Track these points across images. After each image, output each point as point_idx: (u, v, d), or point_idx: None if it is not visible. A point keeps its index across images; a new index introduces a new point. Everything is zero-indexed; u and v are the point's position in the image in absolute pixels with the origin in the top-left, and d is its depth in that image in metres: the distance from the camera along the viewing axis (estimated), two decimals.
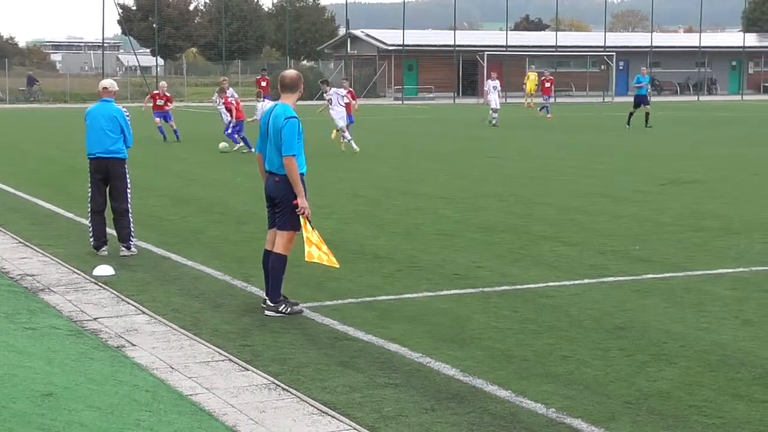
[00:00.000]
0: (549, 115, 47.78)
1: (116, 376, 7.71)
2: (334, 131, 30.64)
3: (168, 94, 34.82)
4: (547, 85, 51.15)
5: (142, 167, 20.88)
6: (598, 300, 10.55)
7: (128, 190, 13.43)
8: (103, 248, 13.25)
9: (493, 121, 41.49)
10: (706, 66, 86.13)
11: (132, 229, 13.34)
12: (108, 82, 13.94)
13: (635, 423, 6.88)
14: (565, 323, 9.59)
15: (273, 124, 9.97)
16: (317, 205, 16.49)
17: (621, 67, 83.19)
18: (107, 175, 13.36)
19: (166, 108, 34.17)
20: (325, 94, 29.04)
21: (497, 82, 42.84)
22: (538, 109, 50.28)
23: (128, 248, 13.24)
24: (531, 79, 60.25)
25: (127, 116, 13.50)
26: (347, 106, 30.00)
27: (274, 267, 10.04)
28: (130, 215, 13.34)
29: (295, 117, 9.97)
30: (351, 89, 32.14)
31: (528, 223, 15.85)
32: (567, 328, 9.42)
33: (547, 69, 61.70)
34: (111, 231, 13.49)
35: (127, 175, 13.47)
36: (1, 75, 74.65)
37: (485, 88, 43.84)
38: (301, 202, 9.86)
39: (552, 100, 51.17)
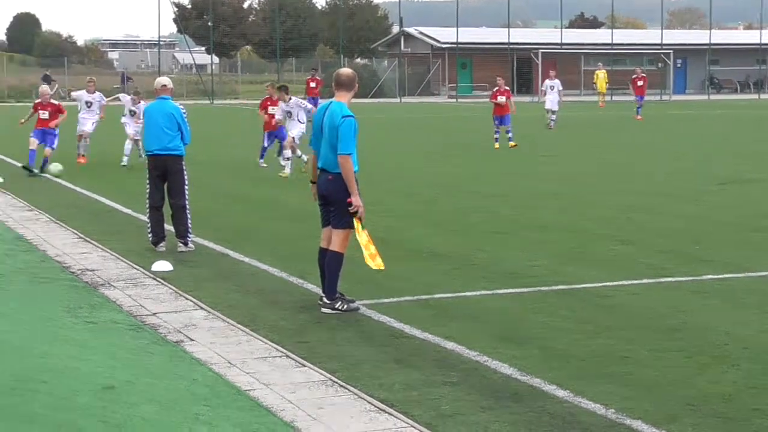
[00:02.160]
0: (639, 116, 44.80)
1: (175, 370, 7.78)
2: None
3: (54, 102, 24.55)
4: (640, 83, 46.27)
5: (199, 164, 21.01)
6: (656, 300, 10.45)
7: (186, 187, 13.52)
8: (161, 244, 13.35)
9: (550, 123, 39.01)
10: (767, 63, 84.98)
11: (189, 226, 13.42)
12: (165, 80, 14.05)
13: (696, 425, 6.80)
14: (623, 323, 9.51)
15: (328, 122, 9.98)
16: (372, 203, 16.48)
17: (679, 65, 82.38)
18: (165, 171, 13.46)
19: (50, 124, 23.56)
20: (283, 104, 22.42)
21: (556, 82, 39.50)
22: (636, 111, 45.88)
23: (185, 244, 13.33)
24: (600, 77, 59.11)
25: (184, 113, 13.60)
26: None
27: (330, 265, 10.05)
28: (187, 211, 13.42)
29: (352, 116, 9.97)
30: (507, 88, 30.88)
31: (584, 222, 15.75)
32: (624, 328, 9.34)
33: (640, 67, 58.91)
34: (169, 227, 13.58)
35: (185, 172, 13.56)
36: (61, 73, 75.56)
37: (542, 88, 41.50)
38: (355, 200, 9.87)
39: (644, 99, 46.54)
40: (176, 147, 13.46)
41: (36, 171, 22.67)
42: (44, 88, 26.02)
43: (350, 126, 9.86)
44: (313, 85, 46.80)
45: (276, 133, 23.63)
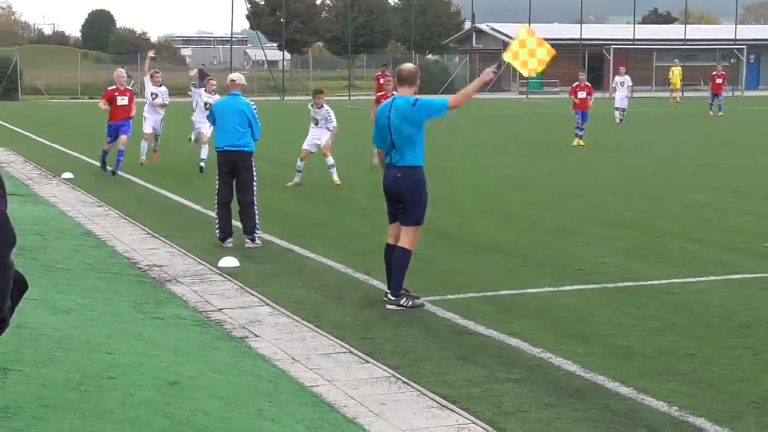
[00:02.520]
0: (720, 113, 44.32)
1: (239, 366, 7.84)
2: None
3: (129, 87, 23.13)
4: (719, 81, 45.74)
5: (268, 160, 21.14)
6: (724, 297, 10.33)
7: (254, 183, 13.62)
8: (229, 240, 13.47)
9: (617, 120, 38.49)
10: None
11: (257, 222, 13.52)
12: (236, 76, 14.16)
13: (762, 423, 6.72)
14: (689, 321, 9.43)
15: (397, 116, 10.03)
16: (440, 198, 16.51)
17: (752, 61, 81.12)
18: (234, 167, 13.57)
19: (128, 115, 22.36)
20: (314, 109, 20.28)
21: (626, 78, 38.97)
22: (714, 108, 45.20)
23: (253, 240, 13.43)
24: (675, 74, 58.35)
25: (255, 110, 13.70)
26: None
27: (398, 261, 10.08)
28: (255, 208, 13.52)
29: (417, 98, 10.16)
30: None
31: (652, 219, 15.60)
32: (691, 325, 9.26)
33: (720, 63, 57.92)
34: (237, 223, 13.70)
35: (254, 168, 13.66)
36: (135, 69, 76.46)
37: (613, 85, 40.49)
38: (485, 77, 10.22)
39: (723, 96, 46.01)
40: (246, 143, 13.56)
41: (111, 169, 21.82)
42: (121, 71, 23.06)
43: (425, 100, 10.15)
44: (382, 81, 46.40)
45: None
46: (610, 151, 27.70)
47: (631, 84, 39.59)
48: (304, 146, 20.09)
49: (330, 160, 19.98)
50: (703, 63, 79.91)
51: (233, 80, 13.99)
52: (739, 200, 17.62)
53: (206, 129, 21.90)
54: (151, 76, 24.07)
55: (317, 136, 20.12)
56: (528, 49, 10.73)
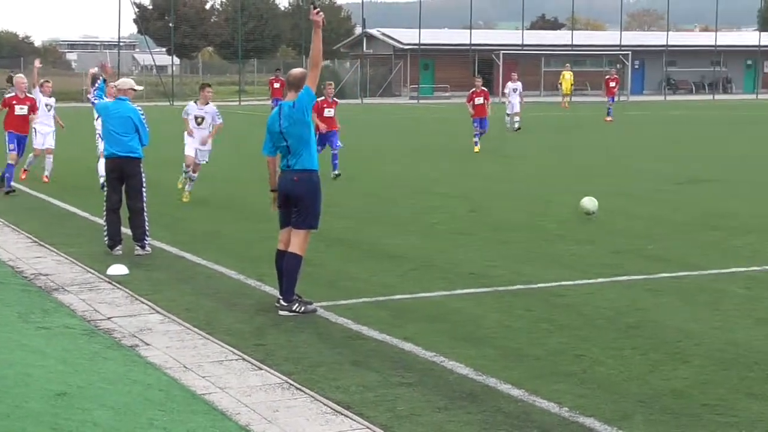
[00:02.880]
0: (609, 118, 44.48)
1: (130, 375, 7.73)
2: None
3: (31, 95, 20.90)
4: (612, 85, 45.99)
5: (157, 166, 20.90)
6: (611, 299, 10.53)
7: (144, 189, 13.46)
8: (118, 247, 13.28)
9: (516, 125, 38.17)
10: (722, 65, 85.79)
11: (147, 229, 13.36)
12: (122, 81, 13.96)
13: (649, 422, 6.86)
14: (579, 322, 9.58)
15: (288, 119, 10.02)
16: (331, 204, 16.47)
17: (637, 66, 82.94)
18: (123, 173, 13.40)
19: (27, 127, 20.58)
20: (196, 105, 18.78)
21: (518, 84, 38.96)
22: (606, 112, 45.34)
23: (143, 247, 13.26)
24: (566, 78, 59.09)
25: (142, 115, 13.53)
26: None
27: (289, 267, 10.05)
28: (145, 214, 13.37)
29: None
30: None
31: (542, 222, 15.83)
32: (580, 327, 9.41)
33: (610, 68, 58.37)
34: (126, 230, 13.51)
35: (143, 174, 13.50)
36: (17, 74, 74.83)
37: (505, 91, 39.94)
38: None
39: (615, 101, 46.13)
40: (133, 149, 13.39)
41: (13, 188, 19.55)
42: (20, 76, 21.10)
43: (303, 103, 10.08)
44: (276, 86, 45.69)
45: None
46: (501, 155, 28.02)
47: (522, 90, 39.56)
48: (189, 152, 18.60)
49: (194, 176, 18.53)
50: (590, 68, 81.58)
51: (116, 85, 13.82)
52: (625, 203, 17.98)
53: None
54: (41, 86, 21.38)
55: (202, 143, 18.57)
56: None
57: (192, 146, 18.62)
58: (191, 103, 19.18)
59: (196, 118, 18.53)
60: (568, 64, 63.51)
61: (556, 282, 11.36)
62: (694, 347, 8.65)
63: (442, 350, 8.60)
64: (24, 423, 6.00)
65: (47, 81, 21.67)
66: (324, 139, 21.75)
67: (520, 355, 8.48)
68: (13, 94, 20.60)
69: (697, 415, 6.98)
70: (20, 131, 20.32)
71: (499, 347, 8.73)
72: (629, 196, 19.00)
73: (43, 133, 21.20)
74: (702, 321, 9.56)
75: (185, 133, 18.72)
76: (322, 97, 21.84)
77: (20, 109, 20.28)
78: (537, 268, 12.18)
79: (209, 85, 19.39)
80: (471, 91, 30.55)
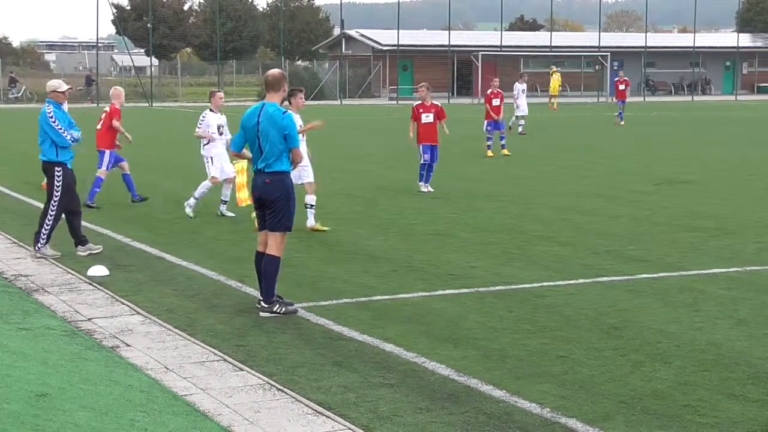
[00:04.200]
0: (622, 122, 43.09)
1: (110, 376, 7.70)
2: None
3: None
4: (621, 87, 44.40)
5: (137, 167, 20.82)
6: (592, 300, 10.55)
7: (55, 193, 13.08)
8: (79, 248, 13.13)
9: (520, 129, 37.05)
10: (701, 66, 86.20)
11: (42, 233, 13.04)
12: (50, 83, 13.60)
13: (630, 422, 6.89)
14: (560, 323, 9.60)
15: (268, 122, 9.99)
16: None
17: (615, 67, 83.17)
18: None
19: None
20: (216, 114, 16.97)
21: (525, 85, 37.69)
22: (616, 114, 44.35)
23: (34, 249, 13.11)
24: (555, 78, 58.89)
25: (51, 117, 13.02)
26: None
27: (267, 268, 10.04)
28: (48, 218, 13.04)
29: (287, 111, 10.12)
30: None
31: (523, 223, 15.86)
32: (562, 327, 9.43)
33: (621, 70, 57.31)
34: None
35: (56, 178, 13.10)
36: None
37: (514, 92, 37.64)
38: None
39: (625, 103, 44.53)
40: (44, 153, 13.17)
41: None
42: (120, 89, 18.98)
43: (293, 120, 10.16)
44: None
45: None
46: (481, 156, 28.03)
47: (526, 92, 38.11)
48: (216, 173, 16.62)
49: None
50: (569, 69, 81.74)
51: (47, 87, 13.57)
52: (605, 204, 18.03)
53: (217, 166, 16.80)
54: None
55: (224, 156, 16.68)
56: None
57: (219, 161, 16.60)
58: (207, 112, 16.98)
59: (219, 127, 16.78)
60: (553, 66, 63.48)
61: (538, 283, 11.39)
62: (674, 348, 8.69)
63: (423, 351, 8.60)
64: (5, 424, 5.96)
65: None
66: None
67: (501, 356, 8.49)
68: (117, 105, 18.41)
69: (678, 416, 7.01)
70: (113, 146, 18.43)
71: (481, 348, 8.74)
72: (607, 197, 19.05)
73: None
74: (683, 322, 9.59)
75: (205, 147, 16.81)
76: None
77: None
78: (518, 269, 12.20)
79: (219, 90, 18.16)
80: (489, 92, 29.82)
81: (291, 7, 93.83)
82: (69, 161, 13.19)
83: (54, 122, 13.03)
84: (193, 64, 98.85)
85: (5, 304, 10.11)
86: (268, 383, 7.76)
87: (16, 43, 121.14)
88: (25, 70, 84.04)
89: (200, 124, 16.81)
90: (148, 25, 77.44)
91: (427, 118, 19.75)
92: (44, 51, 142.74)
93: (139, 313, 9.99)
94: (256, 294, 10.40)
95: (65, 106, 13.28)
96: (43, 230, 13.04)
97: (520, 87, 37.62)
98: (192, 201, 16.58)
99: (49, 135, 13.05)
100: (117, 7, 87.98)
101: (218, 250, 13.58)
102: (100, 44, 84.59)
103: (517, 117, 37.76)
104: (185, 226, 15.64)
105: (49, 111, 13.10)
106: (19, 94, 68.98)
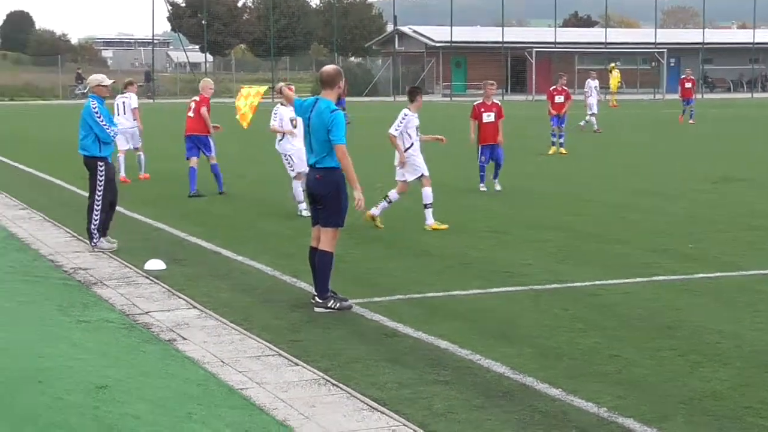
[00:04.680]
0: (691, 120, 41.65)
1: (167, 369, 7.77)
2: None
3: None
4: (688, 85, 42.61)
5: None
6: (648, 299, 10.46)
7: (98, 187, 13.29)
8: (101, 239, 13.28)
9: (595, 127, 36.21)
10: (760, 62, 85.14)
11: (92, 225, 13.24)
12: (92, 77, 13.73)
13: (689, 423, 6.81)
14: (615, 322, 9.53)
15: (318, 118, 10.00)
16: (366, 201, 16.47)
17: (672, 64, 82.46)
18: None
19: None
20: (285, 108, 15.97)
21: (597, 82, 36.99)
22: (686, 115, 42.56)
23: (90, 243, 13.28)
24: (614, 75, 58.37)
25: (96, 111, 13.16)
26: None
27: (320, 264, 10.05)
28: (94, 212, 13.24)
29: (338, 110, 10.07)
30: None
31: (578, 221, 15.76)
32: (616, 327, 9.36)
33: (688, 68, 56.71)
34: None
35: (99, 172, 13.30)
36: (55, 72, 75.47)
37: (585, 90, 37.03)
38: (357, 194, 9.94)
39: (693, 102, 42.84)
40: (85, 147, 13.33)
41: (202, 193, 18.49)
42: (209, 80, 20.26)
43: (341, 118, 10.01)
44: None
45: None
46: (536, 154, 27.90)
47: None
48: (302, 167, 14.76)
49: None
50: (624, 66, 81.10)
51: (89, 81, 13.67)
52: (661, 202, 17.87)
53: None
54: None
55: (302, 151, 14.86)
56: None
57: (299, 156, 15.65)
58: (278, 106, 16.40)
59: (292, 120, 16.15)
60: (616, 62, 62.79)
61: (592, 281, 11.31)
62: (734, 349, 8.57)
63: (477, 348, 8.58)
64: (66, 415, 6.04)
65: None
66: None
67: (557, 354, 8.45)
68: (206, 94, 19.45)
69: (739, 418, 6.92)
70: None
71: (536, 346, 8.70)
72: (663, 195, 18.88)
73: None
74: (741, 322, 9.46)
75: (280, 143, 16.42)
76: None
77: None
78: (573, 267, 12.13)
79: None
80: (552, 87, 29.48)
81: (344, 4, 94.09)
82: (110, 156, 13.40)
83: (99, 117, 13.17)
84: (247, 60, 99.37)
85: (65, 296, 10.24)
86: (323, 378, 7.78)
87: (74, 41, 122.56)
88: (83, 66, 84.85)
89: (274, 118, 16.38)
90: (203, 22, 78.05)
91: (489, 117, 19.46)
92: (101, 48, 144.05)
93: (195, 307, 10.06)
94: (311, 289, 10.43)
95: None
96: (92, 226, 13.23)
97: (592, 84, 36.91)
98: (299, 205, 16.04)
99: (94, 130, 13.18)
100: (172, 4, 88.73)
101: (273, 245, 13.64)
102: (155, 41, 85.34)
103: (591, 114, 36.90)
104: (240, 221, 15.72)
105: (93, 106, 13.21)
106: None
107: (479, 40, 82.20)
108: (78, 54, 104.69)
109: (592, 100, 36.80)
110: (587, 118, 36.95)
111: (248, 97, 14.58)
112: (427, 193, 15.05)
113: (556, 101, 28.87)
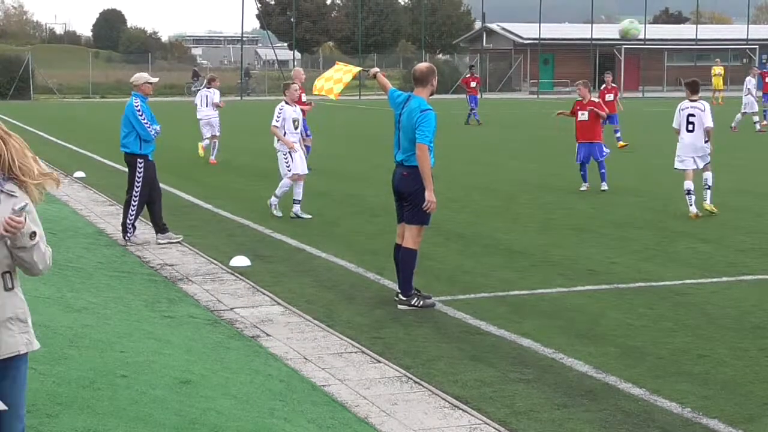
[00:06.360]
0: (765, 121, 38.07)
1: (251, 365, 7.85)
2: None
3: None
4: None
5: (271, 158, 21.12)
6: (737, 298, 10.30)
7: (136, 183, 13.42)
8: (159, 235, 13.48)
9: (757, 126, 34.94)
10: None
11: (129, 221, 13.47)
12: (135, 76, 13.83)
13: None
14: (702, 321, 9.40)
15: (407, 116, 10.00)
16: (451, 199, 16.50)
17: (764, 61, 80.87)
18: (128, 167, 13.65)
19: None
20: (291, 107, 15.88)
21: (756, 80, 35.76)
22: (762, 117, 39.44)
23: (124, 238, 13.46)
24: (717, 73, 57.31)
25: (138, 109, 13.26)
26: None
27: (404, 261, 10.06)
28: (132, 207, 13.44)
29: (431, 109, 9.99)
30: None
31: (665, 219, 15.57)
32: (704, 326, 9.23)
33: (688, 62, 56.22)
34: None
35: (138, 169, 13.44)
36: (145, 69, 76.52)
37: (747, 86, 35.46)
38: (428, 195, 9.87)
39: None
40: (126, 144, 13.47)
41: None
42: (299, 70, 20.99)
43: (431, 118, 9.91)
44: (473, 84, 40.82)
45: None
46: (621, 150, 27.60)
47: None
48: (302, 171, 15.85)
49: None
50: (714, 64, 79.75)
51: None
52: (751, 200, 17.58)
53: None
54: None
55: (300, 152, 16.10)
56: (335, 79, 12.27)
57: (298, 156, 15.84)
58: (283, 104, 16.02)
59: (294, 121, 15.85)
60: (717, 59, 61.57)
61: (679, 280, 11.16)
62: None
63: (561, 347, 8.53)
64: (150, 409, 6.14)
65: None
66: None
67: (641, 354, 8.36)
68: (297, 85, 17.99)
69: None
70: None
71: (620, 345, 8.62)
72: (753, 193, 18.57)
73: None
74: None
75: (280, 142, 15.94)
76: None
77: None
78: (659, 265, 11.99)
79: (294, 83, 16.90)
80: (603, 87, 29.10)
81: (432, 1, 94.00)
82: (151, 153, 13.56)
83: (141, 116, 13.30)
84: (335, 57, 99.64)
85: (151, 292, 10.39)
86: (406, 376, 7.80)
87: (164, 38, 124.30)
88: (173, 64, 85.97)
89: (277, 118, 15.78)
90: (292, 20, 78.57)
91: (583, 116, 19.46)
92: (191, 45, 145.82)
93: (279, 304, 10.15)
94: (394, 286, 10.45)
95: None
96: (128, 221, 13.47)
97: (752, 82, 35.80)
98: (274, 200, 15.91)
99: (135, 128, 13.32)
100: (262, 1, 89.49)
101: (356, 242, 13.69)
102: (244, 38, 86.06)
103: (743, 114, 35.87)
104: (323, 218, 15.78)
105: (136, 104, 13.35)
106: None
107: (568, 36, 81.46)
108: (168, 52, 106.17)
109: (749, 98, 35.42)
110: (738, 116, 35.59)
111: (338, 71, 14.22)
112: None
113: (607, 100, 28.50)
